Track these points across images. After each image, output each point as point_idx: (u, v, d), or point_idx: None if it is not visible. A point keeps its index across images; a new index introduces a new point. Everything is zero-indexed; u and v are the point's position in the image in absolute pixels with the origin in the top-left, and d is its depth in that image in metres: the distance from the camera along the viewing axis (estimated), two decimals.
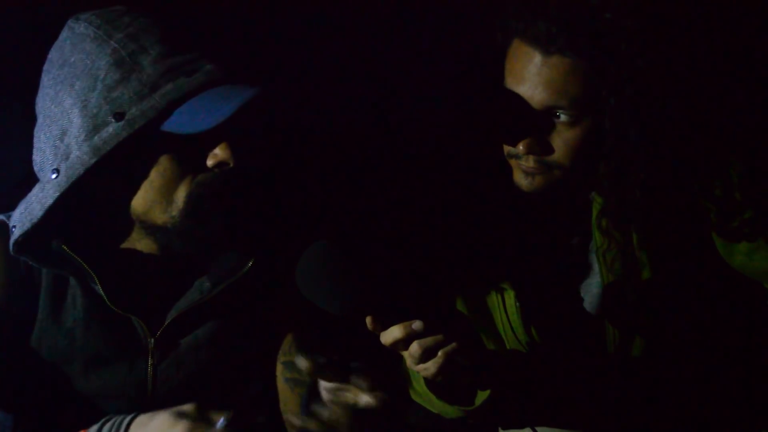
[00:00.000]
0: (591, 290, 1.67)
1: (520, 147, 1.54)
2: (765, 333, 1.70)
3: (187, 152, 1.40)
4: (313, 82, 1.90)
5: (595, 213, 1.64)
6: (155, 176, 1.40)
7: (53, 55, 1.44)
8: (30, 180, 1.46)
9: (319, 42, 1.94)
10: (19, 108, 1.55)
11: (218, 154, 1.40)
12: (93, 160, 1.34)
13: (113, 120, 1.35)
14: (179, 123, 1.35)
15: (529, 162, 1.56)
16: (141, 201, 1.41)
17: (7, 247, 1.44)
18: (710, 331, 1.68)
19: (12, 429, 1.47)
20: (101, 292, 1.43)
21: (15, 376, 1.46)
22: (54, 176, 1.36)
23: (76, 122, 1.36)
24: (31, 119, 1.46)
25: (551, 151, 1.55)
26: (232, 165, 1.41)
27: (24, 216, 1.39)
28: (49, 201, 1.36)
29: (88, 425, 1.46)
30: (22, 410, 1.49)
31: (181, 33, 1.42)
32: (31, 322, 1.46)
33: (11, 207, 1.49)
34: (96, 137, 1.35)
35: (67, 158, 1.36)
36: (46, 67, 1.44)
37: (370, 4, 1.94)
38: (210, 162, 1.41)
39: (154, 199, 1.41)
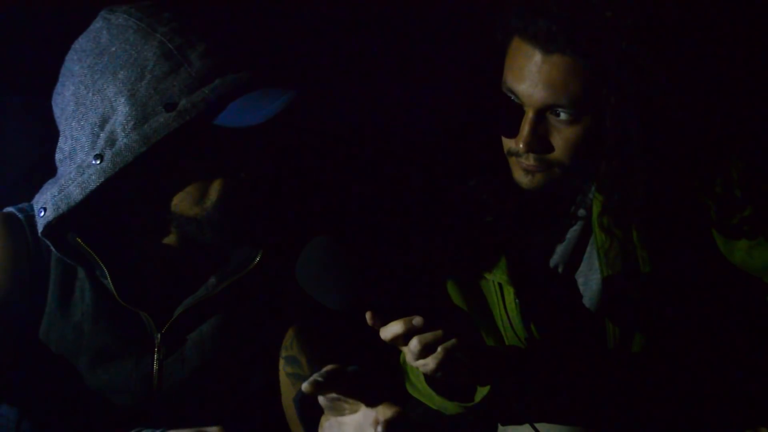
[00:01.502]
0: (591, 287, 1.67)
1: (520, 145, 1.54)
2: (765, 329, 1.69)
3: (226, 148, 1.42)
4: (317, 83, 1.90)
5: (595, 211, 1.63)
6: (192, 169, 1.42)
7: (84, 44, 1.45)
8: (31, 175, 1.48)
9: (319, 42, 1.96)
10: (19, 104, 1.56)
11: (255, 152, 1.44)
12: (143, 149, 1.36)
13: (164, 110, 1.37)
14: (228, 117, 1.38)
15: (529, 160, 1.56)
16: (174, 192, 1.44)
17: (15, 239, 1.46)
18: (710, 328, 1.67)
19: (17, 422, 1.48)
20: (110, 286, 1.45)
21: (21, 369, 1.47)
22: (97, 162, 1.37)
23: (121, 110, 1.38)
24: (31, 115, 1.48)
25: (551, 149, 1.55)
26: (266, 164, 1.44)
27: (59, 199, 1.40)
28: (92, 186, 1.37)
29: (93, 419, 1.48)
30: (27, 404, 1.49)
31: (221, 31, 1.45)
32: (40, 316, 1.47)
33: (11, 202, 1.51)
34: (146, 126, 1.37)
35: (113, 145, 1.37)
36: (75, 56, 1.45)
37: (374, 5, 1.95)
38: (246, 159, 1.43)
39: (189, 190, 1.43)
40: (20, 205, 1.50)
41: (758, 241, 1.61)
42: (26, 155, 1.49)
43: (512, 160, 1.59)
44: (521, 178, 1.58)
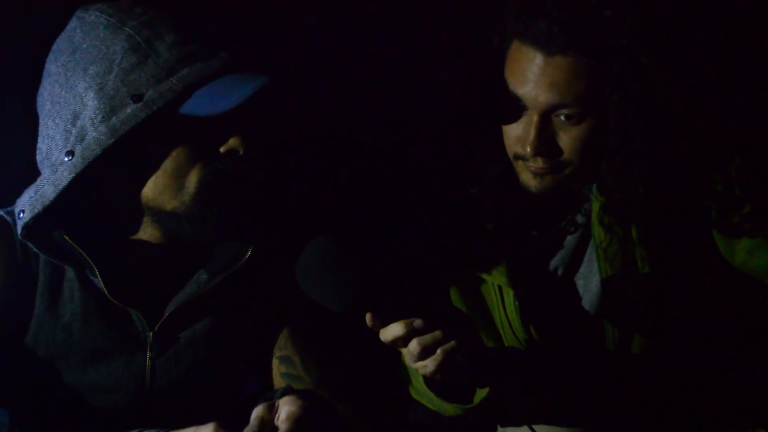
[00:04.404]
0: (590, 289, 1.67)
1: (528, 149, 1.53)
2: (765, 331, 1.71)
3: (200, 138, 1.41)
4: (317, 81, 1.90)
5: (595, 209, 1.64)
6: (168, 161, 1.41)
7: (61, 44, 1.45)
8: (28, 177, 1.46)
9: (321, 42, 1.94)
10: (18, 105, 1.55)
11: (230, 141, 1.42)
12: (111, 141, 1.36)
13: (131, 101, 1.36)
14: (197, 106, 1.37)
15: (538, 163, 1.55)
16: (152, 186, 1.43)
17: (3, 242, 1.45)
18: (710, 329, 1.68)
19: (9, 426, 1.47)
20: (101, 284, 1.44)
21: (12, 371, 1.46)
22: (68, 158, 1.37)
23: (91, 105, 1.38)
24: (30, 115, 1.46)
25: (559, 150, 1.54)
26: (242, 153, 1.43)
27: (35, 199, 1.39)
28: (64, 182, 1.37)
29: (85, 420, 1.47)
30: (18, 406, 1.49)
31: (193, 23, 1.45)
32: (28, 318, 1.46)
33: (10, 203, 1.49)
34: (114, 118, 1.36)
35: (83, 140, 1.37)
36: (52, 57, 1.45)
37: (373, 8, 1.94)
38: (221, 149, 1.42)
39: (165, 183, 1.42)
40: (9, 209, 1.49)
41: (759, 243, 1.62)
42: (24, 157, 1.47)
43: (519, 165, 1.59)
44: (529, 181, 1.58)
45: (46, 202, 1.38)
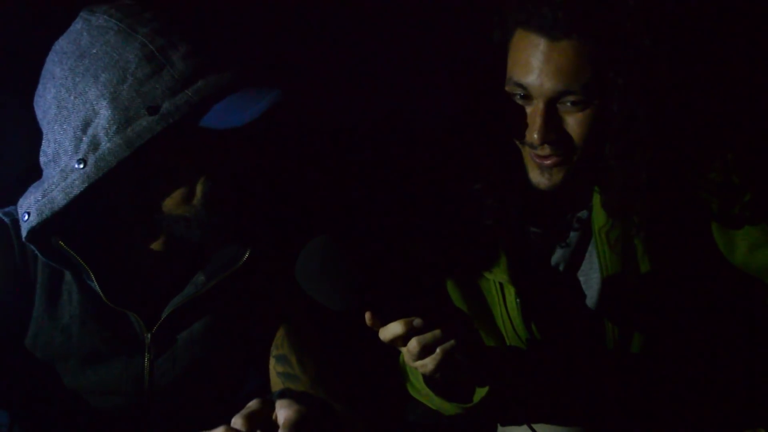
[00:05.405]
0: (591, 286, 1.67)
1: (535, 136, 1.53)
2: (765, 329, 1.71)
3: (211, 148, 1.41)
4: (317, 82, 1.90)
5: (596, 197, 1.64)
6: (178, 169, 1.41)
7: (65, 46, 1.43)
8: (25, 177, 1.46)
9: (321, 41, 1.95)
10: (15, 105, 1.55)
11: (240, 150, 1.43)
12: (126, 153, 1.35)
13: (146, 113, 1.35)
14: (211, 119, 1.37)
15: (545, 150, 1.55)
16: (160, 192, 1.42)
17: (0, 244, 1.44)
18: (710, 328, 1.68)
19: (9, 426, 1.47)
20: (97, 288, 1.43)
21: (11, 373, 1.46)
22: (80, 166, 1.36)
23: (104, 114, 1.36)
24: (28, 116, 1.46)
25: (566, 136, 1.54)
26: (251, 160, 1.44)
27: (42, 204, 1.38)
28: (76, 191, 1.36)
29: (85, 421, 1.47)
30: (18, 407, 1.48)
31: (203, 31, 1.44)
32: (27, 320, 1.46)
33: (9, 203, 1.49)
34: (129, 130, 1.35)
35: (96, 149, 1.36)
36: (55, 58, 1.43)
37: (375, 4, 1.95)
38: (230, 157, 1.43)
39: (174, 190, 1.42)
40: (7, 209, 1.48)
41: (759, 241, 1.62)
42: (24, 156, 1.47)
43: (527, 156, 1.59)
44: (539, 178, 1.58)
45: (55, 208, 1.37)
